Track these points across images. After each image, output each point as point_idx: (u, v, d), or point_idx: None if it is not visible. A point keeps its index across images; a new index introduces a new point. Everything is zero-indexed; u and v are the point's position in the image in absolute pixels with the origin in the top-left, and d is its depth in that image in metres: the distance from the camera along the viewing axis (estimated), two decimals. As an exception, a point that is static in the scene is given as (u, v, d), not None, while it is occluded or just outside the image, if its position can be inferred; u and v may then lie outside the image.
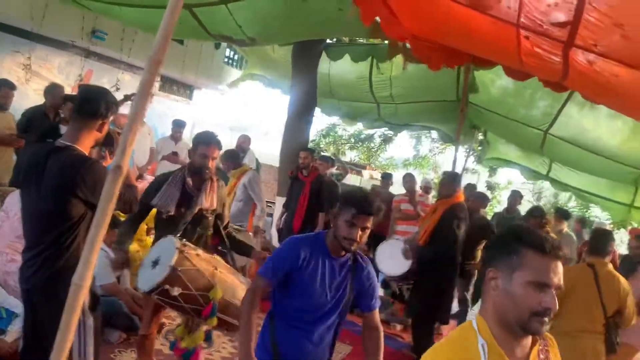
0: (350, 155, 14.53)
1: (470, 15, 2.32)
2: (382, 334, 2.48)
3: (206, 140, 3.11)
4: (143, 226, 5.30)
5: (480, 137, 8.78)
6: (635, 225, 8.16)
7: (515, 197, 7.39)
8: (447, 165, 7.87)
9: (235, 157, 6.28)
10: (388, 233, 7.04)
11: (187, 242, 2.84)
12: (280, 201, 7.24)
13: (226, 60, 12.29)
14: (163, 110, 10.86)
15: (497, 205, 11.41)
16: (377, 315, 2.51)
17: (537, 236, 1.39)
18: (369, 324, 2.51)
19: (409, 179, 7.40)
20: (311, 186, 6.26)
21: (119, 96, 3.20)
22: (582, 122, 5.59)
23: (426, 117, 8.49)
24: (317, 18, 4.35)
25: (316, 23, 4.47)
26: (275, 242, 7.03)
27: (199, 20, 4.62)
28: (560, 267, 1.38)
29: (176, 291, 2.63)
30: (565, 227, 6.62)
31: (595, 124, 5.48)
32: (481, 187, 11.33)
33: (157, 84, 11.03)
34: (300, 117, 7.23)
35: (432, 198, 9.76)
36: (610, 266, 3.74)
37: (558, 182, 8.02)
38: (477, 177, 12.39)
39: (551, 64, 2.41)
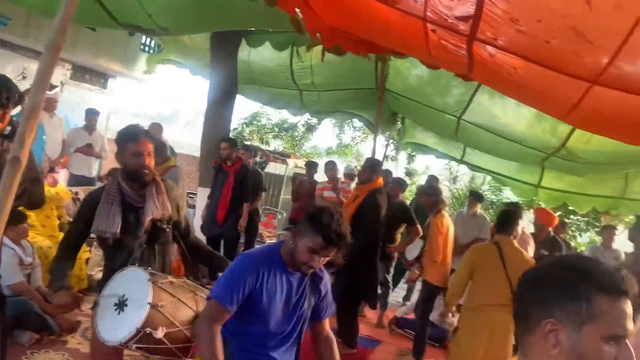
0: (274, 144, 14.51)
1: (381, 9, 2.38)
2: (335, 342, 2.36)
3: (133, 135, 2.54)
4: (54, 221, 5.05)
5: (399, 124, 9.04)
6: (542, 204, 8.79)
7: (431, 182, 7.71)
8: (369, 153, 8.06)
9: (162, 150, 5.60)
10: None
11: (153, 270, 2.37)
12: (202, 192, 7.12)
13: (142, 47, 11.81)
14: (75, 100, 10.30)
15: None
16: (327, 323, 2.40)
17: (612, 275, 1.08)
18: (320, 332, 2.38)
19: (331, 167, 7.51)
20: (235, 176, 6.23)
21: (26, 86, 2.98)
22: (492, 109, 5.91)
23: (348, 105, 8.61)
24: (231, 9, 4.28)
25: (230, 14, 4.40)
26: (199, 234, 6.92)
27: (106, 9, 4.41)
28: (631, 307, 1.09)
29: (161, 332, 2.17)
30: (479, 208, 6.98)
31: (504, 111, 5.81)
32: (400, 174, 11.72)
33: (67, 72, 10.44)
34: (220, 105, 7.11)
35: (354, 185, 9.99)
36: (515, 243, 4.01)
37: (472, 164, 8.45)
38: (396, 164, 12.78)
39: (458, 57, 2.53)
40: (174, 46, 8.37)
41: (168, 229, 2.65)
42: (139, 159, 2.52)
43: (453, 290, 4.16)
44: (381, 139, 10.33)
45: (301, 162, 11.84)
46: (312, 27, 3.28)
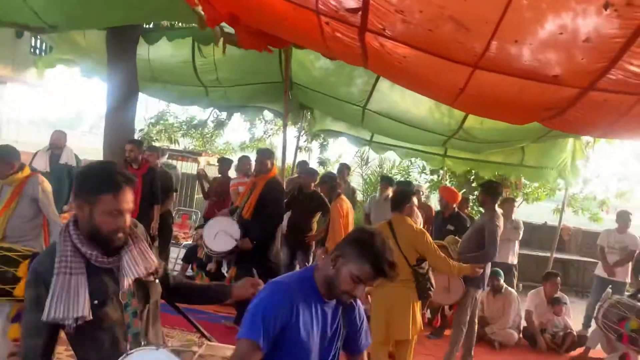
0: (184, 143, 14.14)
1: (274, 2, 2.42)
2: None
3: (111, 184, 1.80)
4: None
5: (309, 115, 9.16)
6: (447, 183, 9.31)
7: (342, 170, 7.95)
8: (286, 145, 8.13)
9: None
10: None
11: (176, 347, 1.88)
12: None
13: (32, 49, 11.05)
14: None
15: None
16: (366, 356, 2.21)
17: None
18: None
19: (244, 162, 7.47)
20: (143, 179, 6.05)
21: None
22: (393, 97, 6.14)
23: (256, 99, 8.58)
24: (123, 2, 4.12)
25: (122, 7, 4.23)
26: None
27: (-15, 8, 4.10)
28: None
29: None
30: (390, 192, 7.26)
31: (403, 98, 6.06)
32: (314, 164, 11.89)
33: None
34: (121, 106, 6.81)
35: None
36: (408, 220, 4.19)
37: (382, 144, 8.78)
38: (309, 154, 12.92)
39: (353, 49, 2.63)
40: (67, 47, 7.91)
41: (157, 281, 2.02)
42: (117, 220, 1.82)
43: None
44: (293, 131, 10.41)
45: (214, 160, 11.65)
46: (212, 19, 3.25)
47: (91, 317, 1.79)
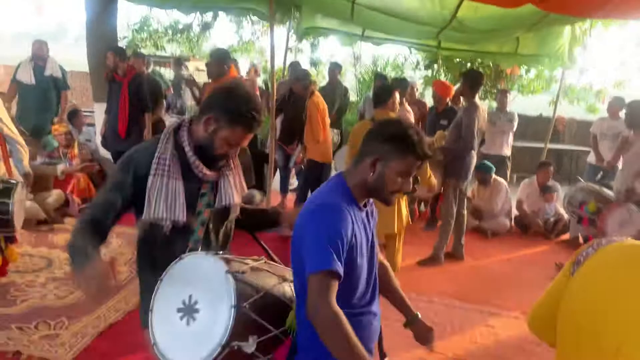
0: (170, 49, 13.70)
1: None
2: (390, 267, 2.05)
3: (247, 121, 1.86)
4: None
5: (297, 14, 8.78)
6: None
7: (334, 69, 7.77)
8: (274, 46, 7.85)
9: None
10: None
11: (226, 255, 1.72)
12: (99, 107, 6.74)
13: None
14: None
15: (322, 79, 11.81)
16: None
17: None
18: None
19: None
20: (129, 86, 5.93)
21: None
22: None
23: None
24: None
25: None
26: (103, 152, 6.66)
27: None
28: None
29: (252, 344, 1.55)
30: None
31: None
32: (305, 64, 11.60)
33: None
34: (101, 13, 6.56)
35: (261, 82, 9.82)
36: (391, 115, 4.11)
37: (374, 38, 8.52)
38: (300, 55, 12.58)
39: None
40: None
41: (238, 206, 2.07)
42: (231, 148, 1.91)
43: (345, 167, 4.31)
44: (282, 31, 10.05)
45: (202, 65, 11.35)
46: None
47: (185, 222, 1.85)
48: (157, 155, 1.84)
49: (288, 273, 1.84)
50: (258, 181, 5.70)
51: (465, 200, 5.36)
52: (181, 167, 1.87)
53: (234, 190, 2.00)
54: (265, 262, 1.84)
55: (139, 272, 2.01)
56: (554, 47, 7.30)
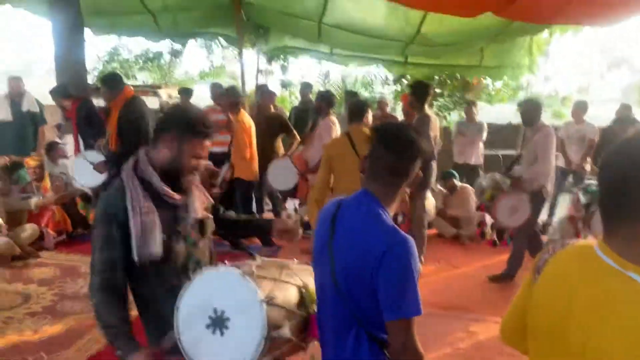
0: (142, 77, 13.69)
1: None
2: None
3: (204, 132, 1.93)
4: None
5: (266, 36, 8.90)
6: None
7: (305, 89, 7.86)
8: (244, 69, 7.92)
9: None
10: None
11: (233, 264, 1.81)
12: (71, 139, 6.69)
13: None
14: None
15: (295, 100, 11.92)
16: None
17: None
18: None
19: (217, 88, 7.21)
20: (76, 117, 5.83)
21: None
22: (346, 7, 6.01)
23: (207, 23, 8.30)
24: None
25: None
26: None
27: None
28: None
29: (288, 329, 1.71)
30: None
31: (357, 8, 5.94)
32: (276, 86, 11.71)
33: None
34: (69, 43, 6.54)
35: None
36: (365, 129, 4.15)
37: (343, 56, 8.67)
38: (270, 77, 12.68)
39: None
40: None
41: (210, 217, 2.13)
42: (198, 162, 1.97)
43: (317, 185, 4.31)
44: (252, 54, 10.14)
45: (175, 92, 11.36)
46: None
47: (162, 254, 1.87)
48: (129, 195, 1.86)
49: (279, 262, 1.95)
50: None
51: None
52: (153, 200, 1.89)
53: (201, 200, 2.06)
54: (258, 258, 1.91)
55: (150, 309, 1.99)
56: (517, 58, 7.55)
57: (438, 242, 6.23)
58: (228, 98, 5.88)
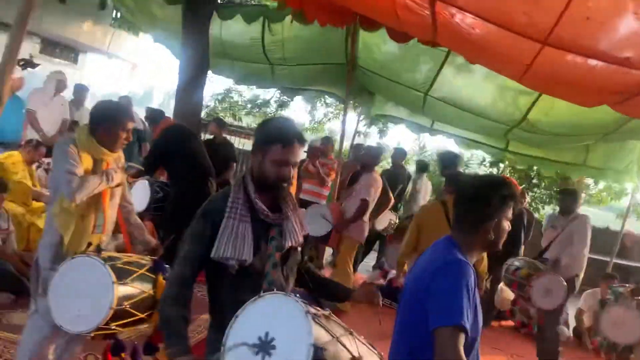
0: (246, 121, 14.51)
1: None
2: None
3: (285, 138, 1.97)
4: (27, 187, 5.05)
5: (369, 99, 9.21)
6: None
7: (398, 154, 7.99)
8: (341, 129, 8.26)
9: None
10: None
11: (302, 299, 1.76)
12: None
13: (113, 22, 11.64)
14: (46, 74, 10.14)
15: (387, 164, 12.05)
16: None
17: None
18: None
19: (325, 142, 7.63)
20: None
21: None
22: (456, 83, 6.11)
23: (318, 80, 8.70)
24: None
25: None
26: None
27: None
28: None
29: None
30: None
31: (469, 85, 6.02)
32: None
33: (37, 46, 10.29)
34: (192, 80, 7.07)
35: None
36: None
37: (442, 131, 8.70)
38: (366, 139, 12.98)
39: (423, 18, 2.68)
40: (144, 19, 8.31)
41: (298, 251, 2.16)
42: (282, 169, 1.98)
43: (403, 249, 4.37)
44: (353, 115, 10.48)
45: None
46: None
47: (251, 262, 1.95)
48: (231, 200, 1.98)
49: (351, 330, 1.88)
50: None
51: None
52: (250, 211, 1.99)
53: (298, 231, 2.09)
54: (331, 314, 1.85)
55: (216, 320, 2.04)
56: (624, 162, 7.21)
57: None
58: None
